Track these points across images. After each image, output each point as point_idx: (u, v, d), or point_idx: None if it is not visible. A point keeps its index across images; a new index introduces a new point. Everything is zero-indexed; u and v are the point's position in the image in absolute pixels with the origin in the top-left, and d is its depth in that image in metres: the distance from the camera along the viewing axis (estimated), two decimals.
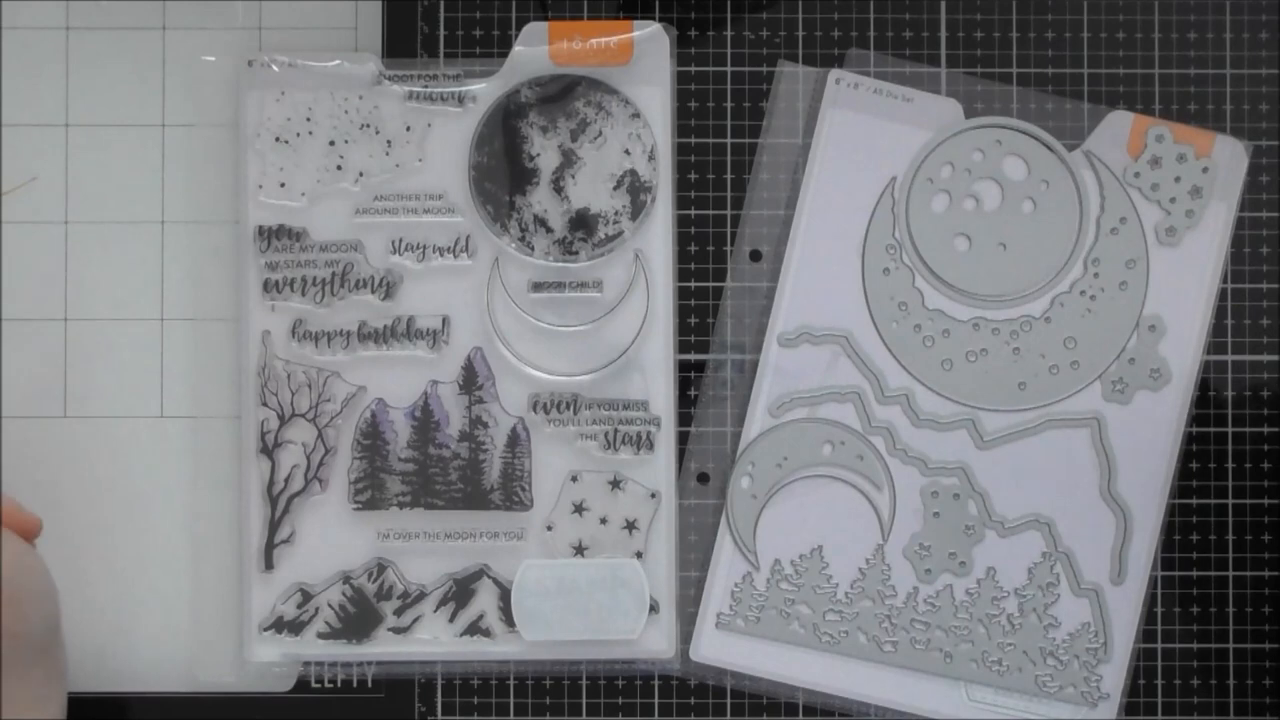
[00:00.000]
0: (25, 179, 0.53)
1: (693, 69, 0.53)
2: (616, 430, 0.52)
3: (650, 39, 0.52)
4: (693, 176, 0.53)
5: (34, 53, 0.53)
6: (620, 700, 0.53)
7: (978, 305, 0.53)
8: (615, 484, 0.52)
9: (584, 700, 0.53)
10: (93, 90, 0.53)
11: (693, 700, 0.53)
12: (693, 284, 0.53)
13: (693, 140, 0.53)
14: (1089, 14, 0.54)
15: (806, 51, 0.54)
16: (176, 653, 0.53)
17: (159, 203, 0.53)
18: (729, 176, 0.53)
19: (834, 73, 0.53)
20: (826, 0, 0.54)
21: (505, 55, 0.52)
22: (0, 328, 0.53)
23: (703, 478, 0.53)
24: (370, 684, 0.53)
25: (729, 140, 0.53)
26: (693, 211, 0.53)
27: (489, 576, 0.52)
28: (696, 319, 0.53)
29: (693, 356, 0.53)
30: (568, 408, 0.52)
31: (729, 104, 0.53)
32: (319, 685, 0.53)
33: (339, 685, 0.53)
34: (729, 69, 0.54)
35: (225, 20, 0.53)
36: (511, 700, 0.53)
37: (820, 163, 0.53)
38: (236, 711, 0.53)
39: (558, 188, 0.52)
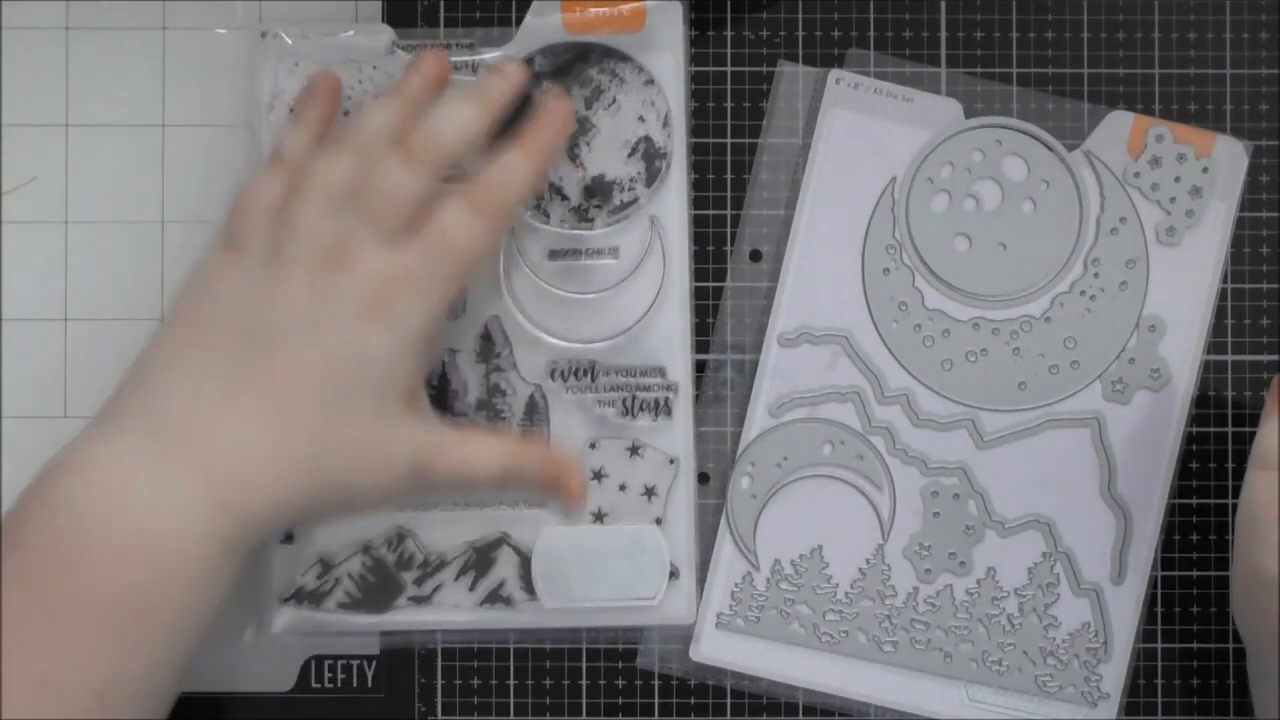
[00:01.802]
0: (25, 179, 0.53)
1: (693, 69, 0.53)
2: (634, 397, 0.52)
3: (663, 5, 0.52)
4: (693, 176, 0.53)
5: (34, 53, 0.53)
6: (620, 700, 0.53)
7: (978, 305, 0.53)
8: (634, 450, 0.52)
9: (584, 700, 0.53)
10: (93, 90, 0.53)
11: (693, 700, 0.53)
12: (693, 284, 0.53)
13: (693, 140, 0.53)
14: (1089, 14, 0.54)
15: (806, 51, 0.54)
16: None
17: (159, 203, 0.53)
18: (729, 176, 0.53)
19: (834, 73, 0.53)
20: (826, 0, 0.54)
21: (505, 28, 0.52)
22: (0, 328, 0.53)
23: (703, 478, 0.53)
24: (370, 684, 0.53)
25: (729, 140, 0.53)
26: (693, 211, 0.53)
27: (509, 545, 0.52)
28: (697, 319, 0.53)
29: (693, 356, 0.53)
30: (585, 375, 0.52)
31: (729, 104, 0.53)
32: (319, 685, 0.53)
33: (339, 685, 0.53)
34: (729, 69, 0.54)
35: (225, 20, 0.53)
36: (511, 700, 0.53)
37: (820, 163, 0.53)
38: (237, 711, 0.53)
39: (572, 155, 0.52)
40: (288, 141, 0.48)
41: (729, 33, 0.54)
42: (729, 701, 0.53)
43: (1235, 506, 0.53)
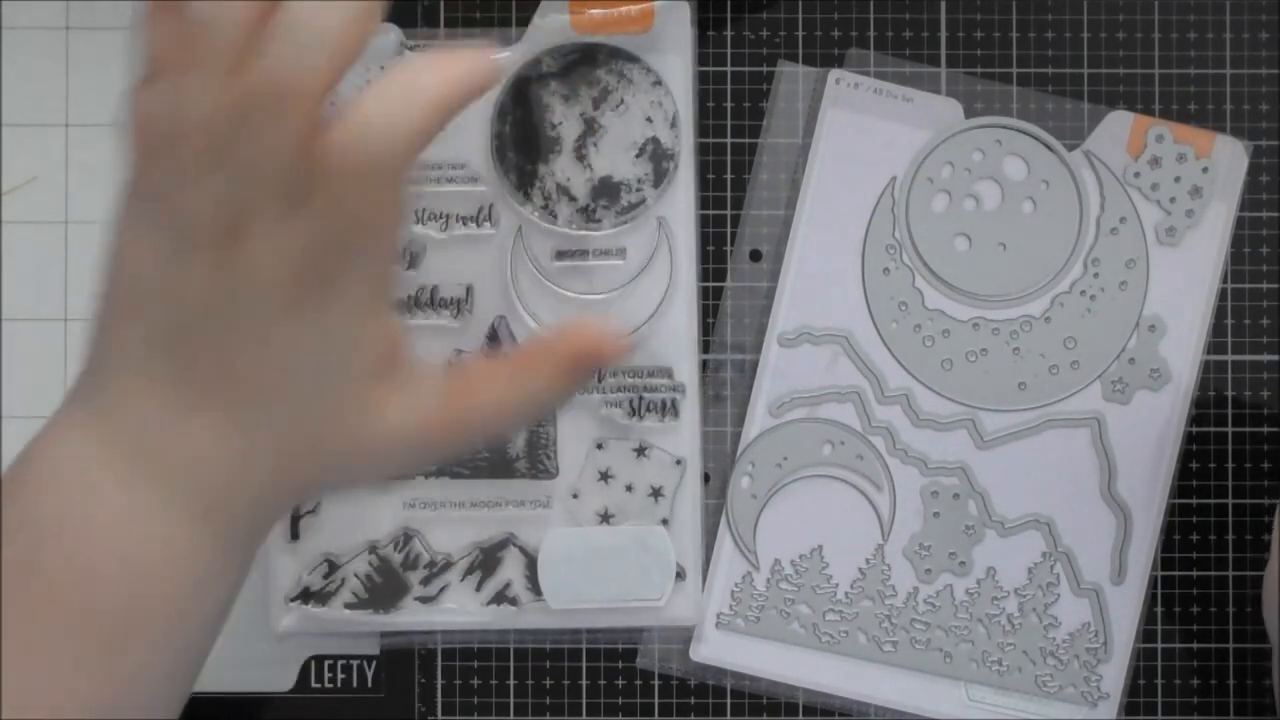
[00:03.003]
0: (25, 179, 0.53)
1: (693, 69, 0.53)
2: (641, 398, 0.52)
3: (671, 6, 0.52)
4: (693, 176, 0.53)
5: (34, 53, 0.53)
6: (620, 700, 0.53)
7: (978, 305, 0.53)
8: (640, 451, 0.52)
9: (584, 700, 0.53)
10: (93, 90, 0.53)
11: (693, 700, 0.53)
12: (693, 284, 0.53)
13: (693, 140, 0.53)
14: (1089, 14, 0.54)
15: (806, 51, 0.54)
16: None
17: None
18: (729, 176, 0.53)
19: (834, 73, 0.53)
20: (826, 0, 0.54)
21: (507, 28, 0.52)
22: (0, 328, 0.53)
23: (703, 478, 0.53)
24: (370, 684, 0.53)
25: (729, 140, 0.53)
26: (693, 211, 0.53)
27: (515, 545, 0.52)
28: (697, 319, 0.53)
29: (699, 357, 0.53)
30: (592, 375, 0.52)
31: (729, 104, 0.53)
32: (319, 685, 0.53)
33: (339, 685, 0.53)
34: (729, 69, 0.54)
35: None
36: (511, 700, 0.53)
37: (820, 163, 0.53)
38: (237, 711, 0.53)
39: (580, 156, 0.52)
40: (146, 42, 0.37)
41: (729, 33, 0.54)
42: (729, 701, 0.53)
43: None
